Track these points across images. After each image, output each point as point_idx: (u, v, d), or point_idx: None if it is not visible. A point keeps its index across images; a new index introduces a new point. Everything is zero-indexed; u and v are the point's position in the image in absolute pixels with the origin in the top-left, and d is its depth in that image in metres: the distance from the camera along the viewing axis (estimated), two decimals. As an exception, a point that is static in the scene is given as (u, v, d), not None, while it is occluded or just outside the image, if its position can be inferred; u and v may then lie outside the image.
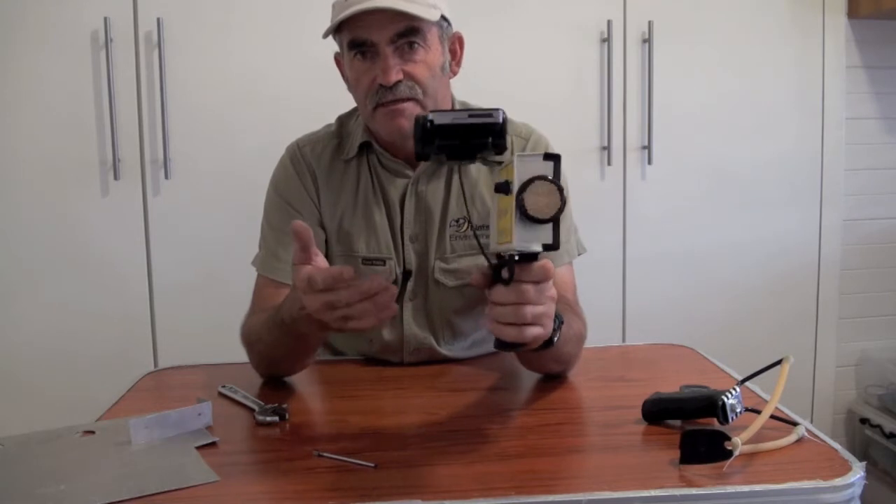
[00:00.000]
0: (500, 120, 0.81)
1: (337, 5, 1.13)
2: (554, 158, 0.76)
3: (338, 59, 1.21)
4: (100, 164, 1.93)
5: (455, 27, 1.20)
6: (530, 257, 0.80)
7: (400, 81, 1.11)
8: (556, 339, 0.92)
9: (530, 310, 0.81)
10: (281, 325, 1.02)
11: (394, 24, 1.08)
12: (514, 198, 0.74)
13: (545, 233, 0.76)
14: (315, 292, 0.87)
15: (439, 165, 1.21)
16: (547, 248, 0.76)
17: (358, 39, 1.11)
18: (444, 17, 1.15)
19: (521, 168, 0.76)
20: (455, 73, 1.22)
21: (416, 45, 1.11)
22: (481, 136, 0.81)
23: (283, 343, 1.06)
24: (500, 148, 0.82)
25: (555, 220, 0.75)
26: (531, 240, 0.75)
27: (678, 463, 0.80)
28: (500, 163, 1.13)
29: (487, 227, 1.21)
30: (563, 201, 0.74)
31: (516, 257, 0.79)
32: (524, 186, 0.74)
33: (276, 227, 1.23)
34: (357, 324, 0.88)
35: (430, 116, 0.81)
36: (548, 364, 1.08)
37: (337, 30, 1.13)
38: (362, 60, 1.12)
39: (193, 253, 1.97)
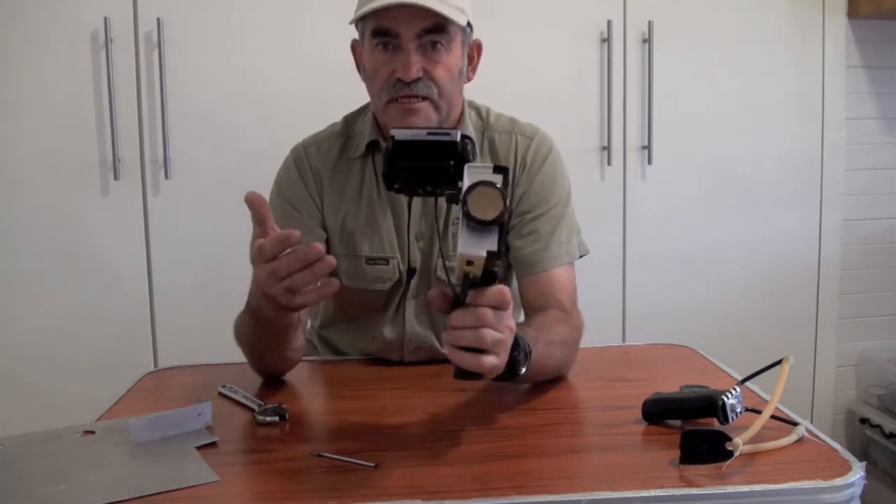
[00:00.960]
0: (457, 139, 0.82)
1: None
2: (503, 170, 0.77)
3: (355, 47, 1.20)
4: (100, 164, 1.93)
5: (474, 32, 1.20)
6: (488, 280, 0.80)
7: (419, 79, 1.10)
8: (521, 370, 0.92)
9: (489, 334, 0.81)
10: (251, 312, 1.03)
11: (422, 21, 1.08)
12: (461, 203, 0.76)
13: (489, 240, 0.76)
14: (263, 262, 0.88)
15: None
16: (492, 255, 0.76)
17: (383, 28, 1.10)
18: (468, 23, 1.15)
19: (469, 175, 0.77)
20: (469, 80, 1.22)
21: (439, 45, 1.11)
22: (442, 157, 0.82)
23: (256, 332, 1.06)
24: (457, 179, 0.81)
25: (498, 225, 0.76)
26: (475, 246, 0.76)
27: (678, 463, 0.80)
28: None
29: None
30: (506, 207, 0.75)
31: (472, 278, 0.79)
32: (469, 190, 0.76)
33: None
34: (301, 298, 0.89)
35: (392, 132, 0.83)
36: (533, 380, 1.08)
37: (363, 16, 1.12)
38: (383, 51, 1.11)
39: (193, 253, 1.97)
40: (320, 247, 0.87)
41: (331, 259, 0.87)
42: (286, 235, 0.87)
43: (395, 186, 0.85)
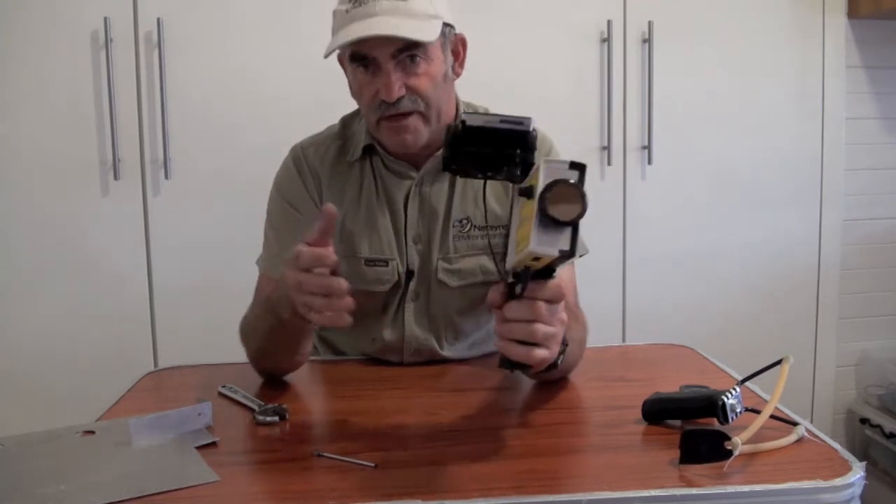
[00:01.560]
0: (530, 129, 0.80)
1: (337, 15, 1.11)
2: (579, 167, 0.76)
3: (341, 59, 1.21)
4: (100, 164, 1.93)
5: (455, 27, 1.20)
6: (546, 274, 0.80)
7: (402, 96, 1.10)
8: (560, 361, 0.92)
9: (541, 329, 0.80)
10: (271, 310, 1.03)
11: (395, 41, 1.07)
12: (537, 200, 0.74)
13: (563, 238, 0.75)
14: (295, 268, 0.90)
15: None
16: (563, 254, 0.75)
17: (359, 54, 1.10)
18: (445, 23, 1.14)
19: (546, 172, 0.75)
20: (458, 75, 1.21)
21: (417, 58, 1.10)
22: (510, 146, 0.81)
23: (272, 332, 1.06)
24: (526, 165, 0.81)
25: (574, 226, 0.74)
26: (549, 244, 0.74)
27: (678, 463, 0.80)
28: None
29: (491, 227, 1.21)
30: (585, 207, 0.74)
31: (531, 271, 0.78)
32: (549, 187, 0.74)
33: (278, 227, 1.23)
34: (315, 317, 0.90)
35: (463, 117, 0.81)
36: (551, 376, 1.08)
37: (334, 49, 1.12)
38: (364, 72, 1.12)
39: (193, 253, 1.97)
40: (345, 284, 0.88)
41: (350, 301, 0.89)
42: (321, 254, 0.89)
43: (452, 167, 0.84)
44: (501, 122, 0.81)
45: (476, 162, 0.82)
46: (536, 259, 0.76)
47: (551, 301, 0.81)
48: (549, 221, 0.74)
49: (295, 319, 0.98)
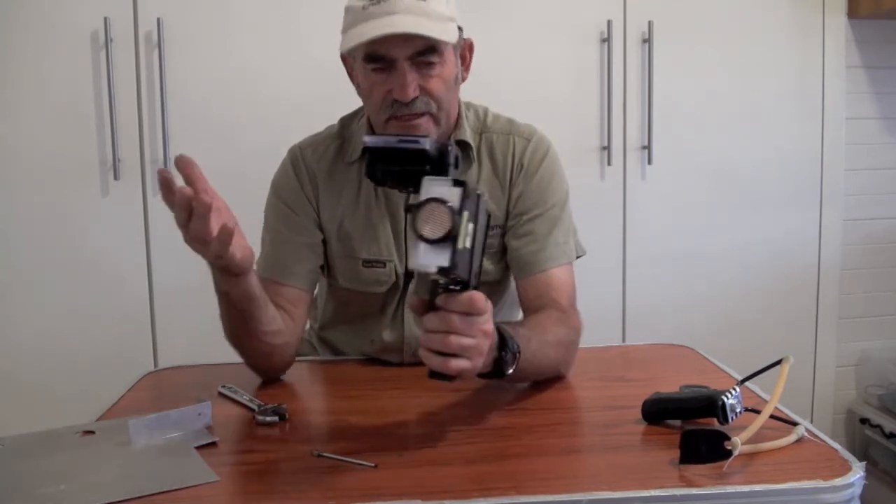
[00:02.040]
0: (427, 147, 0.83)
1: (351, 11, 1.09)
2: (461, 184, 0.77)
3: (346, 58, 1.20)
4: (100, 164, 1.93)
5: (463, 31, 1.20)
6: (461, 287, 0.81)
7: (416, 97, 1.09)
8: (508, 371, 0.93)
9: (455, 340, 0.82)
10: (217, 294, 1.06)
11: (414, 42, 1.07)
12: (409, 218, 0.78)
13: (443, 255, 0.76)
14: (181, 227, 0.90)
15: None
16: (443, 270, 0.76)
17: (376, 54, 1.08)
18: (457, 27, 1.14)
19: (425, 189, 0.78)
20: (464, 80, 1.21)
21: (433, 60, 1.10)
22: (416, 163, 0.84)
23: (227, 315, 1.07)
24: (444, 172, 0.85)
25: (449, 241, 0.76)
26: (428, 261, 0.76)
27: (678, 463, 0.80)
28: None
29: (494, 226, 1.21)
30: (453, 226, 0.75)
31: (439, 285, 0.80)
32: (419, 206, 0.76)
33: (275, 229, 1.23)
34: (217, 246, 0.90)
35: (364, 139, 0.86)
36: (527, 379, 1.08)
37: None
38: (377, 72, 1.10)
39: (193, 253, 1.96)
40: (188, 189, 0.87)
41: (203, 198, 0.87)
42: (189, 195, 0.87)
43: (383, 183, 0.89)
44: (399, 141, 0.85)
45: (395, 178, 0.86)
46: (426, 273, 0.78)
47: (466, 313, 0.82)
48: (419, 239, 0.76)
49: (226, 281, 1.00)
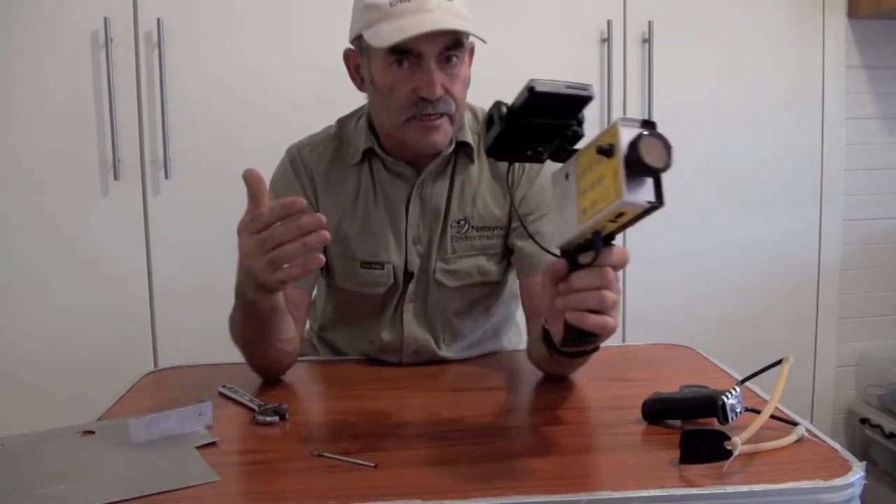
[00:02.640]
0: (592, 95, 0.79)
1: (375, 8, 1.07)
2: (652, 124, 0.76)
3: (348, 55, 1.19)
4: (100, 164, 1.93)
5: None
6: (607, 241, 0.79)
7: (440, 96, 1.09)
8: (600, 342, 0.90)
9: (611, 296, 0.80)
10: (240, 296, 1.03)
11: (443, 38, 1.06)
12: (625, 152, 0.73)
13: (648, 190, 0.74)
14: (251, 232, 0.89)
15: (451, 164, 1.20)
16: (651, 206, 0.74)
17: (404, 48, 1.07)
18: None
19: (625, 131, 0.75)
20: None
21: (455, 60, 1.10)
22: (573, 114, 0.80)
23: (244, 318, 1.05)
24: (576, 137, 0.81)
25: (658, 177, 0.74)
26: (637, 195, 0.73)
27: (678, 463, 0.80)
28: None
29: (489, 228, 1.21)
30: (672, 155, 0.73)
31: (603, 235, 0.77)
32: (639, 138, 0.73)
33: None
34: (283, 274, 0.89)
35: (531, 83, 0.78)
36: (568, 367, 1.07)
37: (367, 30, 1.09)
38: (399, 67, 1.09)
39: (193, 253, 1.97)
40: (321, 217, 0.87)
41: (326, 233, 0.87)
42: (291, 202, 0.87)
43: (498, 150, 0.83)
44: (567, 87, 0.79)
45: (533, 135, 0.81)
46: (618, 217, 0.75)
47: (618, 267, 0.80)
48: (639, 171, 0.73)
49: (259, 295, 0.97)
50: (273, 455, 0.88)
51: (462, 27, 1.05)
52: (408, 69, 1.08)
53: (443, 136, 1.12)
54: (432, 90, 1.07)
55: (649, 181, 0.74)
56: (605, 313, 0.80)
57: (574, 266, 0.81)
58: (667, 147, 0.74)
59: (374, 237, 1.21)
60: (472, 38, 1.19)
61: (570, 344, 0.83)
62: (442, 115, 1.10)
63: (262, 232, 0.88)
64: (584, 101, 0.79)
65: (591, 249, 0.79)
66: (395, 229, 1.21)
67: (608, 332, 0.81)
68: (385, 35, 1.05)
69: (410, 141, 1.14)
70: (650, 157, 0.73)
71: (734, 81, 2.14)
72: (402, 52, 1.07)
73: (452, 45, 1.08)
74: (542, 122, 0.81)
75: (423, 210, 1.21)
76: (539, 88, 0.78)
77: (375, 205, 1.21)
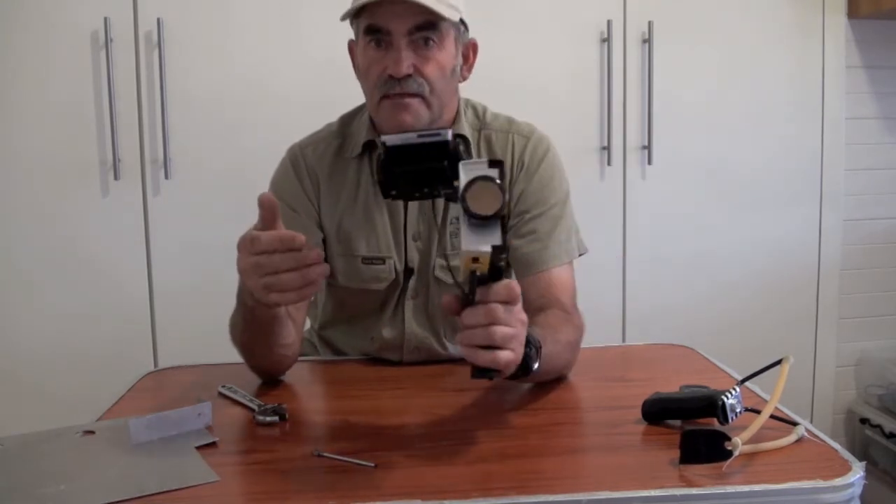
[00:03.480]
0: (448, 138, 0.81)
1: None
2: (498, 164, 0.77)
3: (351, 46, 1.20)
4: (100, 164, 1.93)
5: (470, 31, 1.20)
6: (495, 277, 0.81)
7: (410, 76, 1.10)
8: (534, 366, 0.92)
9: (499, 330, 0.80)
10: (240, 302, 1.02)
11: (413, 17, 1.08)
12: (459, 200, 0.76)
13: (493, 235, 0.76)
14: (249, 252, 0.88)
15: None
16: (496, 249, 0.76)
17: (375, 26, 1.10)
18: (462, 22, 1.15)
19: (465, 173, 0.77)
20: (465, 79, 1.22)
21: (431, 42, 1.11)
22: (434, 158, 0.81)
23: (245, 323, 1.05)
24: (453, 178, 0.81)
25: (500, 218, 0.76)
26: (479, 242, 0.76)
27: (678, 463, 0.80)
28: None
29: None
30: (505, 200, 0.75)
31: (478, 275, 0.79)
32: (467, 187, 0.76)
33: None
34: (278, 297, 0.88)
35: (382, 139, 0.82)
36: (539, 379, 1.07)
37: (356, 14, 1.12)
38: (375, 49, 1.12)
39: (193, 253, 1.97)
40: (319, 252, 0.87)
41: (326, 266, 0.87)
42: (290, 237, 0.86)
43: (392, 193, 0.84)
44: (419, 136, 0.82)
45: (409, 181, 0.83)
46: (476, 260, 0.77)
47: (505, 302, 0.81)
48: (475, 220, 0.76)
49: (260, 307, 0.97)
50: (273, 455, 0.88)
51: (426, 2, 1.06)
52: (383, 50, 1.11)
53: (412, 116, 1.12)
54: (397, 67, 1.09)
55: (495, 224, 0.76)
56: (500, 347, 0.81)
57: (467, 302, 0.82)
58: (500, 188, 0.75)
59: (375, 232, 1.21)
60: (475, 35, 1.20)
61: (476, 377, 0.84)
62: (414, 95, 1.11)
63: (258, 255, 0.87)
64: (438, 146, 0.81)
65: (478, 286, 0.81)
66: (395, 225, 1.21)
67: (500, 366, 0.82)
68: (351, 5, 1.10)
69: (383, 121, 1.15)
70: (480, 205, 0.75)
71: (734, 81, 2.14)
72: (376, 32, 1.10)
73: (424, 25, 1.09)
74: (410, 170, 0.82)
75: (422, 206, 1.21)
76: (390, 143, 0.82)
77: (375, 199, 1.22)
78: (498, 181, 0.76)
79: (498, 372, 0.83)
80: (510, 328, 0.81)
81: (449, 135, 0.81)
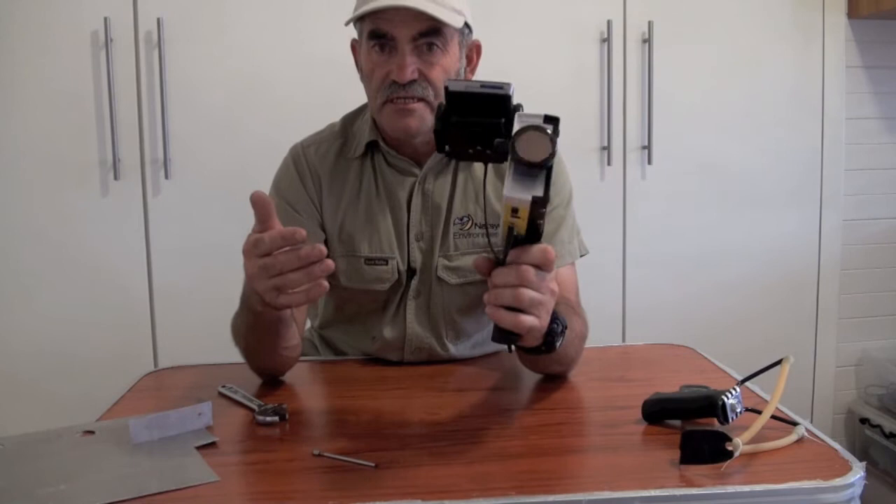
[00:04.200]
0: (510, 93, 0.80)
1: None
2: (553, 120, 0.77)
3: (354, 46, 1.21)
4: (100, 164, 1.93)
5: (474, 33, 1.20)
6: (532, 240, 0.79)
7: (414, 80, 1.10)
8: (558, 343, 0.92)
9: (528, 294, 0.80)
10: (246, 305, 1.02)
11: (418, 23, 1.08)
12: (510, 147, 0.75)
13: (537, 185, 0.75)
14: (255, 256, 0.88)
15: (454, 160, 1.20)
16: (537, 201, 0.75)
17: (379, 31, 1.10)
18: (466, 24, 1.15)
19: (520, 122, 0.77)
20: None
21: (435, 47, 1.11)
22: (492, 114, 0.80)
23: (249, 326, 1.05)
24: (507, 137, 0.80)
25: (545, 168, 0.75)
26: (521, 191, 0.75)
27: (678, 463, 0.80)
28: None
29: (492, 225, 1.21)
30: (554, 150, 0.74)
31: (515, 234, 0.78)
32: (519, 132, 0.75)
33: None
34: (287, 299, 0.88)
35: (445, 83, 0.81)
36: (550, 365, 1.08)
37: (360, 17, 1.12)
38: (379, 53, 1.12)
39: (193, 253, 1.97)
40: (323, 248, 0.86)
41: (330, 263, 0.87)
42: (291, 232, 0.86)
43: (446, 149, 0.83)
44: (482, 87, 0.81)
45: (465, 134, 0.81)
46: (515, 213, 0.76)
47: (538, 266, 0.80)
48: (521, 167, 0.75)
49: (267, 310, 0.97)
50: (273, 455, 0.88)
51: (425, 9, 1.06)
52: (386, 54, 1.11)
53: (417, 121, 1.13)
54: (401, 73, 1.09)
55: (540, 175, 0.75)
56: (524, 311, 0.80)
57: (500, 264, 0.81)
58: (550, 139, 0.74)
59: (377, 232, 1.21)
60: (475, 36, 1.19)
61: (497, 339, 0.83)
62: (417, 99, 1.11)
63: (264, 257, 0.87)
64: (499, 99, 0.80)
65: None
66: (397, 225, 1.21)
67: (523, 330, 0.81)
68: (356, 11, 1.10)
69: (386, 125, 1.16)
70: (527, 152, 0.74)
71: (734, 81, 2.14)
72: (380, 37, 1.10)
73: (429, 31, 1.09)
74: (467, 121, 0.81)
75: (425, 206, 1.21)
76: (452, 88, 0.80)
77: (378, 199, 1.22)
78: (550, 133, 0.75)
79: (519, 337, 0.82)
80: (539, 294, 0.80)
81: (510, 89, 0.80)
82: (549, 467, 0.84)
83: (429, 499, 0.74)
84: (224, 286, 1.86)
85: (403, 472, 0.82)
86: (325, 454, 0.85)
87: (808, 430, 0.87)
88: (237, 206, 2.05)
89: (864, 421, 2.26)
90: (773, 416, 0.87)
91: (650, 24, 2.06)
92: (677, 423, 0.92)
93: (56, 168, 1.92)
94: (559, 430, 0.94)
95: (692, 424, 0.91)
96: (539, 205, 0.76)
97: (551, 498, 0.74)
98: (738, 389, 0.90)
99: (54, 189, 1.92)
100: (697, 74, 2.13)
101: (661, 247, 2.15)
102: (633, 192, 2.13)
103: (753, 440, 0.81)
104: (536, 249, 0.80)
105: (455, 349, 1.25)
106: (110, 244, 1.96)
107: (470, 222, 1.21)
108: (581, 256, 1.26)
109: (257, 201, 0.90)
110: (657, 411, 0.94)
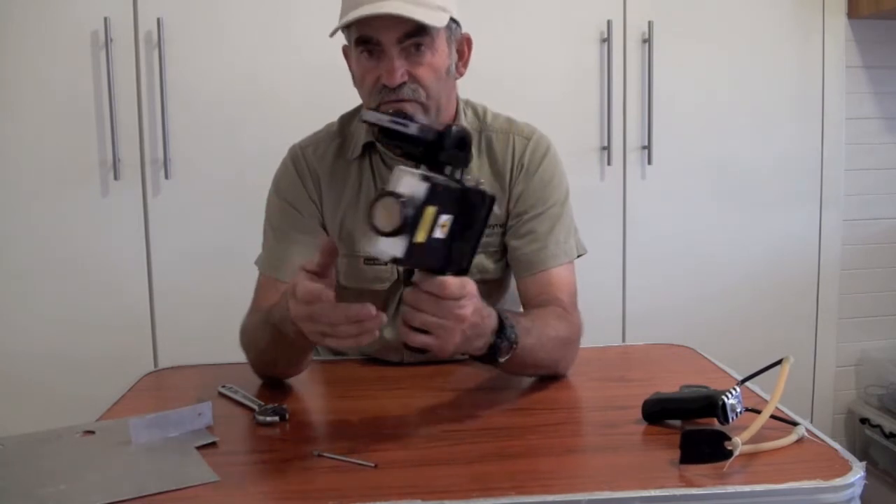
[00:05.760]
0: (413, 133, 0.84)
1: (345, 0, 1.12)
2: (430, 181, 0.77)
3: (346, 51, 1.21)
4: (100, 164, 1.93)
5: (462, 26, 1.20)
6: (437, 273, 0.85)
7: (404, 83, 1.10)
8: (501, 358, 0.96)
9: (419, 316, 0.86)
10: (272, 325, 1.02)
11: (402, 25, 1.08)
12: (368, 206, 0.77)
13: (398, 247, 0.77)
14: (303, 303, 0.88)
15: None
16: (396, 261, 0.78)
17: (365, 37, 1.10)
18: (452, 19, 1.14)
19: (392, 179, 0.78)
20: (461, 75, 1.21)
21: (422, 48, 1.10)
22: (409, 143, 0.85)
23: (274, 344, 1.06)
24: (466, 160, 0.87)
25: (404, 233, 0.76)
26: (384, 249, 0.77)
27: (678, 463, 0.80)
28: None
29: (488, 225, 1.21)
30: (404, 222, 0.75)
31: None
32: (377, 197, 0.77)
33: (277, 227, 1.23)
34: (334, 342, 0.89)
35: (363, 113, 0.87)
36: (524, 371, 1.10)
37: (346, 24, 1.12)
38: (368, 58, 1.12)
39: (193, 253, 1.97)
40: (372, 309, 0.86)
41: (383, 316, 0.87)
42: (319, 292, 0.86)
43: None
44: (390, 121, 0.86)
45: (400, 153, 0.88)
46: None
47: (435, 296, 0.85)
48: (372, 229, 0.77)
49: (301, 339, 0.96)
50: (273, 455, 0.88)
51: (404, 12, 1.05)
52: (375, 59, 1.11)
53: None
54: (391, 77, 1.09)
55: (404, 237, 0.76)
56: (415, 330, 0.87)
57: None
58: (401, 206, 0.75)
59: None
60: (465, 29, 1.19)
61: (405, 348, 0.89)
62: (409, 101, 1.11)
63: (310, 304, 0.87)
64: (403, 136, 0.84)
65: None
66: None
67: (415, 346, 0.87)
68: (339, 21, 1.11)
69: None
70: (378, 219, 0.76)
71: (734, 81, 2.14)
72: (366, 42, 1.11)
73: (414, 32, 1.09)
74: (394, 144, 0.88)
75: None
76: (366, 119, 0.88)
77: None
78: (404, 199, 0.75)
79: (419, 350, 0.89)
80: (434, 318, 0.86)
81: (414, 129, 0.84)
82: (548, 467, 0.84)
83: (429, 499, 0.74)
84: (224, 286, 1.86)
85: (403, 472, 0.82)
86: (325, 454, 0.85)
87: (808, 430, 0.87)
88: (237, 206, 2.05)
89: (864, 421, 2.26)
90: (773, 416, 0.87)
91: (650, 24, 2.05)
92: (677, 423, 0.92)
93: (56, 168, 1.92)
94: (559, 430, 0.95)
95: (692, 424, 0.91)
96: (399, 262, 0.79)
97: (551, 498, 0.74)
98: (738, 389, 0.90)
99: (54, 189, 1.92)
100: (697, 74, 2.12)
101: (661, 247, 2.15)
102: (633, 192, 2.13)
103: (753, 440, 0.81)
104: (434, 281, 0.86)
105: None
106: (110, 244, 1.95)
107: None
108: (579, 256, 1.25)
109: (324, 249, 0.90)
110: (657, 411, 0.94)
